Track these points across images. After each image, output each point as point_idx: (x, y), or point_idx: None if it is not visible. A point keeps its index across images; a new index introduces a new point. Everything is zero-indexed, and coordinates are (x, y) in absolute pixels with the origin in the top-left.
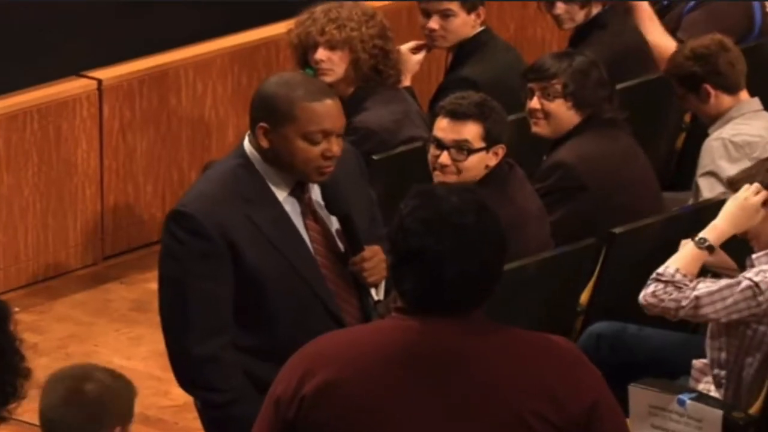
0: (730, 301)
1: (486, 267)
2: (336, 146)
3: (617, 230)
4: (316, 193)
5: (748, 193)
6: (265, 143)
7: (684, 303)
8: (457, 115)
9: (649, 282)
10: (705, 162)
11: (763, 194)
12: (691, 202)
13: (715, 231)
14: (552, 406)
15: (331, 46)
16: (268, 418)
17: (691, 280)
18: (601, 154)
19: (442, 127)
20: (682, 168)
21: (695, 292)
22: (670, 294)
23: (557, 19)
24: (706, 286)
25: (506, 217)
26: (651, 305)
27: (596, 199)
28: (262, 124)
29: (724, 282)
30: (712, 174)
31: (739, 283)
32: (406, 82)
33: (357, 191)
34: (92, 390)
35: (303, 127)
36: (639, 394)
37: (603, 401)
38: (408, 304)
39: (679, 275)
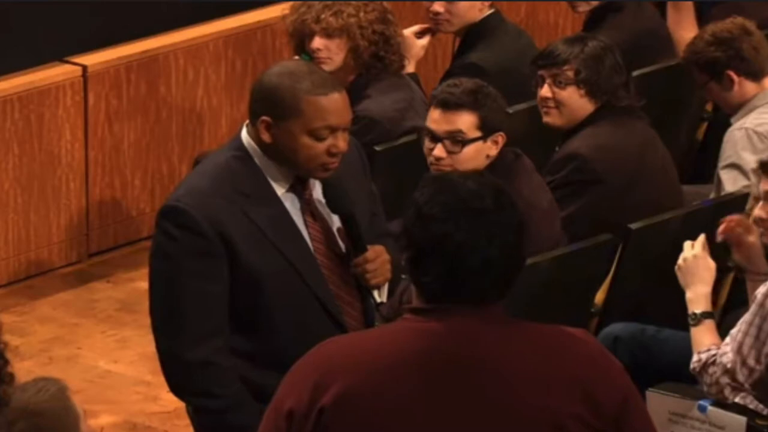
0: (763, 335)
1: (509, 252)
2: (342, 142)
3: (634, 226)
4: (316, 189)
5: (686, 254)
6: (267, 137)
7: (730, 366)
8: (449, 105)
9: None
10: (727, 153)
11: (698, 246)
12: (712, 195)
13: (694, 300)
14: (590, 407)
15: (328, 34)
16: None
17: (718, 347)
18: (617, 145)
19: (435, 118)
20: (703, 160)
21: (729, 356)
22: (716, 372)
23: (571, 3)
24: (731, 340)
25: None
26: (717, 393)
27: (612, 192)
28: (264, 117)
29: (738, 328)
30: (734, 166)
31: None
32: (410, 68)
33: (358, 186)
34: (25, 427)
35: (309, 123)
36: (658, 400)
37: (632, 396)
38: (428, 298)
39: (704, 355)
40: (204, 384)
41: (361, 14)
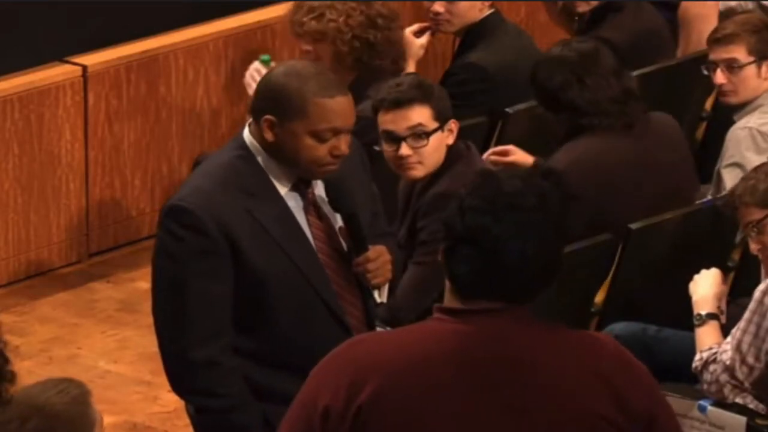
0: (762, 333)
1: (547, 253)
2: (344, 145)
3: (634, 226)
4: (319, 188)
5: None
6: (269, 136)
7: (729, 363)
8: (402, 103)
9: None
10: (730, 152)
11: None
12: (710, 194)
13: (700, 302)
14: (620, 410)
15: (313, 39)
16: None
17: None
18: (593, 158)
19: (391, 120)
20: (703, 159)
21: (728, 353)
22: (716, 370)
23: (571, 3)
24: (731, 339)
25: None
26: (716, 392)
27: (592, 206)
28: (268, 116)
29: (738, 326)
30: (737, 165)
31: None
32: (410, 68)
33: (359, 186)
34: (37, 426)
35: (313, 125)
36: None
37: (660, 397)
38: (462, 294)
39: (706, 353)
40: (207, 384)
41: (342, 19)
